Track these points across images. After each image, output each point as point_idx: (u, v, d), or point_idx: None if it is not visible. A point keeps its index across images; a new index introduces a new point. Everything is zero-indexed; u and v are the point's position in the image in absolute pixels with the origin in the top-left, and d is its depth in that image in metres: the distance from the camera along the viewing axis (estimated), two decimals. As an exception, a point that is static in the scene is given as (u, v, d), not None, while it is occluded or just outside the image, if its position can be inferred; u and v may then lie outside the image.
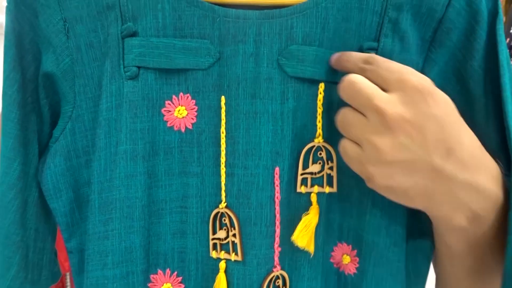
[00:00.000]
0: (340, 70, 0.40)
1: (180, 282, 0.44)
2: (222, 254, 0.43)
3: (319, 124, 0.42)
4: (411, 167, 0.35)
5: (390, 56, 0.40)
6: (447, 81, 0.42)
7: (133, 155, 0.41)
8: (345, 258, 0.44)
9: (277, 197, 0.42)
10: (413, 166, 0.35)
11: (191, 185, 0.43)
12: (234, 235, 0.42)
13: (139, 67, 0.41)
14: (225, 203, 0.42)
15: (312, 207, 0.43)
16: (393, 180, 0.36)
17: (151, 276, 0.43)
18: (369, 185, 0.37)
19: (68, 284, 1.59)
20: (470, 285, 0.43)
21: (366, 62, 0.37)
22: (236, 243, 0.42)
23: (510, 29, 1.41)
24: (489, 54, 0.40)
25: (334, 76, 0.40)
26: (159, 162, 0.42)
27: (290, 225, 0.43)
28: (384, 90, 0.35)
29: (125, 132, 0.41)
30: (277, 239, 0.42)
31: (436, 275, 0.47)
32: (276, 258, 0.42)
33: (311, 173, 0.43)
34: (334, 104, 0.41)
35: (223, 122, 0.41)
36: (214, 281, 0.43)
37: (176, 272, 0.44)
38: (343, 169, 0.41)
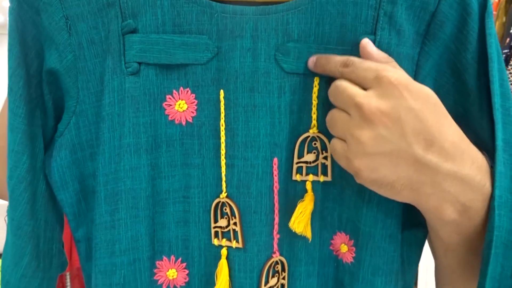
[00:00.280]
0: (321, 73, 0.41)
1: (185, 268, 0.46)
2: (224, 242, 0.45)
3: (314, 116, 0.43)
4: (393, 158, 0.36)
5: (387, 49, 0.41)
6: (442, 73, 0.43)
7: (137, 148, 0.43)
8: (343, 247, 0.46)
9: (275, 187, 0.43)
10: (395, 157, 0.36)
11: (193, 176, 0.44)
12: (235, 224, 0.44)
13: (140, 63, 0.42)
14: (226, 193, 0.44)
15: (307, 194, 0.44)
16: (378, 173, 0.37)
17: (157, 262, 0.45)
18: (358, 180, 0.39)
19: (68, 284, 1.60)
20: (464, 276, 0.44)
21: (344, 65, 0.39)
22: (237, 231, 0.44)
23: (510, 29, 1.40)
24: (481, 47, 0.41)
25: None
26: (161, 154, 0.44)
27: (288, 212, 0.44)
28: (364, 89, 0.37)
29: (128, 126, 0.42)
30: (276, 227, 0.44)
31: (435, 265, 0.49)
32: (275, 245, 0.44)
33: (306, 162, 0.44)
34: (327, 96, 0.43)
35: (222, 115, 0.43)
36: (216, 266, 0.45)
37: (180, 259, 0.46)
38: None
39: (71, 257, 1.43)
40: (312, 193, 0.44)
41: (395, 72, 0.37)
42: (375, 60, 0.39)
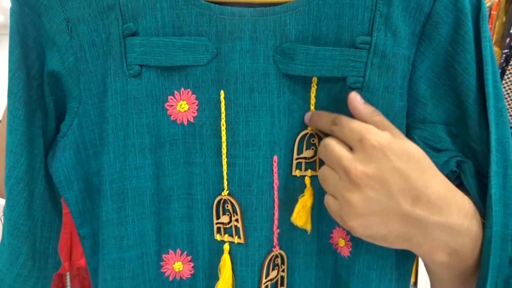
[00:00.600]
0: (315, 128, 0.44)
1: (190, 261, 0.48)
2: (226, 237, 0.46)
3: None
4: (384, 216, 0.38)
5: (384, 50, 0.42)
6: (439, 74, 0.44)
7: (141, 148, 0.44)
8: (341, 241, 0.47)
9: (275, 183, 0.45)
10: (386, 215, 0.38)
11: (195, 174, 0.46)
12: (236, 220, 0.45)
13: (141, 65, 0.43)
14: (227, 191, 0.45)
15: (306, 189, 0.46)
16: (371, 230, 0.39)
17: (163, 255, 0.47)
18: (354, 235, 0.41)
19: (68, 284, 1.60)
20: None
21: (333, 123, 0.41)
22: (239, 227, 0.45)
23: (510, 29, 1.40)
24: (477, 48, 0.42)
25: (325, 72, 0.42)
26: (165, 153, 0.45)
27: (287, 207, 0.46)
28: (350, 148, 0.39)
29: (132, 127, 0.43)
30: (275, 222, 0.46)
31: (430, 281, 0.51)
32: (275, 239, 0.46)
33: (305, 158, 0.45)
34: (326, 97, 0.44)
35: (223, 115, 0.44)
36: (219, 260, 0.47)
37: (185, 252, 0.47)
38: None
39: (71, 257, 1.43)
40: (311, 188, 0.46)
41: (377, 134, 0.38)
42: (361, 114, 0.41)
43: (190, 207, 0.46)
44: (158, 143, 0.45)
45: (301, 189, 0.46)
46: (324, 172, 0.41)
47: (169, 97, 0.44)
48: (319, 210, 0.47)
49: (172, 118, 0.45)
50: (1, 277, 0.47)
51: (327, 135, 0.44)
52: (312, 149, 0.45)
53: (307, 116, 0.44)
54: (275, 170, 0.44)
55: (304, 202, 0.45)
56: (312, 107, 0.44)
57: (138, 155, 0.44)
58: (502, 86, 1.42)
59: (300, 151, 0.45)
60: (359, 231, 0.39)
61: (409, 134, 0.45)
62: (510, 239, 0.41)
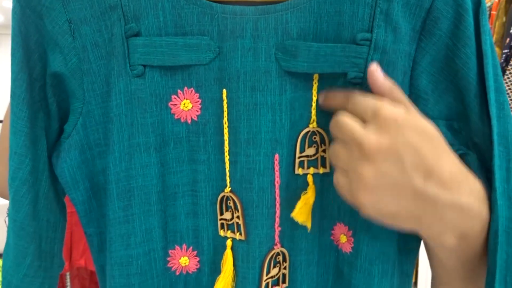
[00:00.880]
0: (328, 109, 0.43)
1: (196, 256, 0.48)
2: (229, 233, 0.47)
3: (313, 111, 0.45)
4: (394, 191, 0.37)
5: (384, 46, 0.42)
6: (440, 70, 0.44)
7: (147, 147, 0.44)
8: (342, 237, 0.48)
9: (277, 182, 0.45)
10: (396, 190, 0.37)
11: (199, 171, 0.46)
12: (237, 217, 0.46)
13: (144, 66, 0.43)
14: (230, 188, 0.46)
15: (309, 187, 0.46)
16: (381, 205, 0.38)
17: (170, 251, 0.48)
18: (362, 212, 0.40)
19: (68, 284, 1.60)
20: None
21: (347, 98, 0.41)
22: (240, 224, 0.46)
23: (510, 29, 1.40)
24: (477, 43, 0.42)
25: (327, 68, 0.43)
26: (169, 151, 0.46)
27: (289, 205, 0.46)
28: (363, 122, 0.39)
29: (137, 127, 0.44)
30: (277, 220, 0.46)
31: (432, 277, 0.51)
32: (276, 237, 0.46)
33: (307, 156, 0.46)
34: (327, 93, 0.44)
35: (225, 113, 0.44)
36: (223, 256, 0.47)
37: (191, 247, 0.48)
38: None
39: (71, 257, 1.43)
40: (313, 186, 0.46)
41: (392, 108, 0.38)
42: (380, 87, 0.40)
43: (195, 203, 0.47)
44: (163, 142, 0.45)
45: (304, 187, 0.46)
46: (335, 148, 0.41)
47: (173, 96, 0.44)
48: (320, 207, 0.47)
49: (176, 117, 0.45)
50: (8, 279, 0.47)
51: (328, 131, 0.44)
52: (314, 146, 0.46)
53: (322, 97, 0.44)
54: (277, 168, 0.45)
55: (307, 199, 0.46)
56: (314, 104, 0.44)
57: (144, 154, 0.44)
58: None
59: (302, 149, 0.46)
60: (368, 206, 0.39)
61: None
62: None
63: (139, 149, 0.44)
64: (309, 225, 0.46)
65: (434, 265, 0.47)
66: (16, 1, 0.43)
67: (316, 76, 0.44)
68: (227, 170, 0.45)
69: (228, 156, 0.45)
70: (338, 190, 0.41)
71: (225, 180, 0.46)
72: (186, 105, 0.45)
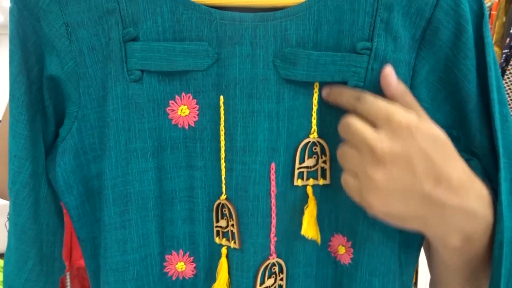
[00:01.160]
0: (333, 104, 0.43)
1: (192, 261, 0.48)
2: (224, 241, 0.46)
3: (314, 121, 0.44)
4: (404, 194, 0.38)
5: (384, 55, 0.42)
6: (440, 79, 0.44)
7: (144, 152, 0.44)
8: (341, 248, 0.47)
9: (272, 191, 0.45)
10: (406, 193, 0.38)
11: (196, 177, 0.46)
12: (232, 225, 0.45)
13: (142, 70, 0.43)
14: (225, 195, 0.45)
15: (310, 199, 0.45)
16: (390, 207, 0.39)
17: (166, 256, 0.47)
18: (370, 212, 0.40)
19: (68, 284, 1.60)
20: None
21: (357, 98, 0.41)
22: (234, 233, 0.45)
23: (510, 29, 1.40)
24: (479, 55, 0.42)
25: (327, 77, 0.42)
26: (167, 157, 0.45)
27: (287, 216, 0.46)
28: (374, 125, 0.39)
29: (134, 132, 0.44)
30: (273, 229, 0.45)
31: (431, 278, 0.51)
32: (272, 247, 0.46)
33: (307, 167, 0.45)
34: (328, 102, 0.44)
35: (222, 120, 0.44)
36: (218, 263, 0.47)
37: (188, 253, 0.48)
38: (337, 163, 0.43)
39: (71, 257, 1.43)
40: (313, 198, 0.45)
41: (404, 114, 0.38)
42: (393, 91, 0.40)
43: (192, 209, 0.47)
44: (160, 147, 0.45)
45: (302, 198, 0.46)
46: (344, 150, 0.41)
47: (170, 102, 0.44)
48: (319, 219, 0.46)
49: (173, 122, 0.45)
50: (9, 284, 0.47)
51: (329, 142, 0.43)
52: (314, 157, 0.45)
53: (326, 91, 0.43)
54: (273, 177, 0.44)
55: (311, 212, 0.45)
56: (315, 114, 0.44)
57: (141, 159, 0.44)
58: (502, 87, 1.42)
59: (302, 160, 0.45)
60: (377, 207, 0.39)
61: None
62: None
63: (136, 154, 0.44)
64: (318, 239, 0.46)
65: (435, 264, 0.47)
66: (13, 3, 0.43)
67: (316, 85, 0.43)
68: (223, 177, 0.45)
69: (224, 163, 0.44)
70: (346, 191, 0.41)
71: (221, 188, 0.45)
72: (183, 110, 0.44)
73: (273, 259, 0.46)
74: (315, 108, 0.44)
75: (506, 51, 1.47)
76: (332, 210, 0.47)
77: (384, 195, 0.38)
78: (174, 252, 0.47)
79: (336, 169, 0.45)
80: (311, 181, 0.45)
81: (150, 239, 0.45)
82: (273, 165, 0.44)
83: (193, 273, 0.48)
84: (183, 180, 0.46)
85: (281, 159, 0.44)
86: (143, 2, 0.42)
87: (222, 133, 0.44)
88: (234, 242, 0.45)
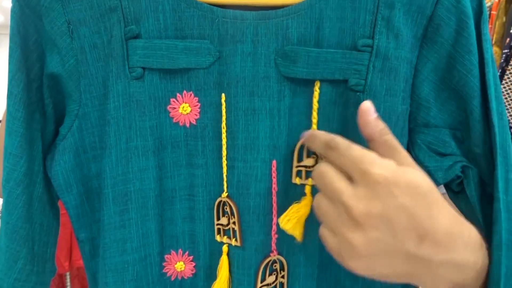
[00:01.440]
0: (310, 149, 0.42)
1: (192, 261, 0.48)
2: (225, 239, 0.46)
3: (314, 120, 0.44)
4: (387, 257, 0.35)
5: (386, 53, 0.42)
6: (441, 78, 0.44)
7: (144, 151, 0.44)
8: None
9: (274, 188, 0.44)
10: (389, 255, 0.35)
11: (197, 175, 0.46)
12: (234, 223, 0.45)
13: (144, 68, 0.42)
14: (227, 193, 0.45)
15: (305, 197, 0.45)
16: (374, 270, 0.37)
17: (166, 256, 0.47)
18: (354, 271, 0.38)
19: (68, 284, 1.60)
20: None
21: (329, 147, 0.38)
22: (236, 230, 0.45)
23: (510, 29, 1.40)
24: (479, 51, 0.42)
25: (327, 74, 0.42)
26: (167, 155, 0.45)
27: None
28: (349, 177, 0.36)
29: (135, 130, 0.43)
30: (274, 227, 0.45)
31: None
32: (273, 244, 0.46)
33: (305, 166, 0.45)
34: (328, 100, 0.44)
35: (223, 118, 0.44)
36: (219, 261, 0.46)
37: (187, 252, 0.47)
38: None
39: (71, 257, 1.43)
40: (311, 197, 0.45)
41: (381, 167, 0.35)
42: (371, 130, 0.37)
43: (192, 208, 0.46)
44: (160, 145, 0.45)
45: (302, 197, 0.45)
46: (320, 203, 0.38)
47: (172, 100, 0.44)
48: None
49: (174, 120, 0.44)
50: None
51: None
52: (313, 157, 0.45)
53: (303, 135, 0.42)
54: (274, 174, 0.44)
55: (298, 208, 0.44)
56: (315, 113, 0.44)
57: (142, 157, 0.44)
58: (502, 86, 1.42)
59: (300, 158, 0.45)
60: (360, 271, 0.37)
61: (412, 139, 0.45)
62: None
63: (137, 152, 0.44)
64: (298, 235, 0.44)
65: None
66: (15, 1, 0.43)
67: (317, 83, 0.43)
68: (224, 175, 0.45)
69: (225, 161, 0.44)
70: (327, 248, 0.38)
71: (222, 185, 0.45)
72: (185, 108, 0.44)
73: (274, 256, 0.46)
74: (315, 106, 0.44)
75: (506, 51, 1.47)
76: None
77: (366, 260, 0.36)
78: (173, 252, 0.47)
79: None
80: (309, 181, 0.44)
81: (150, 238, 0.45)
82: (274, 162, 0.44)
83: (192, 272, 0.48)
84: (184, 179, 0.46)
85: (282, 157, 0.44)
86: (145, 0, 0.42)
87: (223, 130, 0.44)
88: (236, 240, 0.45)
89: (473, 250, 0.38)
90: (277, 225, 0.45)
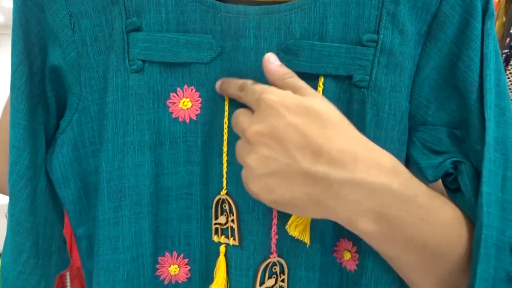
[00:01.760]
0: (226, 95, 0.43)
1: (186, 264, 0.46)
2: (223, 239, 0.45)
3: None
4: (284, 176, 0.36)
5: (391, 48, 0.41)
6: (443, 77, 0.43)
7: (141, 146, 0.43)
8: (346, 254, 0.45)
9: None
10: (286, 174, 0.36)
11: (195, 173, 0.45)
12: (232, 221, 0.44)
13: (144, 61, 0.42)
14: (226, 190, 0.44)
15: None
16: (275, 194, 0.37)
17: (159, 258, 0.46)
18: (260, 200, 0.38)
19: (68, 284, 1.60)
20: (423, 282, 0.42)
21: (241, 88, 0.40)
22: (234, 229, 0.44)
23: (510, 29, 1.39)
24: (481, 46, 0.41)
25: (331, 69, 0.42)
26: (165, 152, 0.44)
27: (289, 214, 0.44)
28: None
29: (132, 124, 0.43)
30: (274, 227, 0.44)
31: None
32: (273, 245, 0.44)
33: None
34: (332, 96, 0.43)
35: (226, 113, 0.43)
36: (216, 263, 0.45)
37: (182, 255, 0.46)
38: None
39: (71, 257, 1.43)
40: None
41: (273, 93, 0.37)
42: (274, 75, 0.39)
43: (189, 207, 0.45)
44: (158, 141, 0.44)
45: None
46: (237, 144, 0.40)
47: (171, 94, 0.43)
48: (323, 221, 0.44)
49: (173, 116, 0.44)
50: (5, 275, 0.46)
51: None
52: None
53: (218, 84, 0.43)
54: None
55: None
56: None
57: (137, 152, 0.43)
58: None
59: None
60: (262, 196, 0.37)
61: (409, 137, 0.44)
62: (508, 248, 0.38)
63: (133, 147, 0.43)
64: (306, 240, 0.43)
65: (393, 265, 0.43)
66: None
67: (321, 78, 0.42)
68: (224, 171, 0.44)
69: (226, 157, 0.44)
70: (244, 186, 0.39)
71: (222, 183, 0.44)
72: (185, 103, 0.44)
73: (274, 258, 0.44)
74: None
75: (506, 51, 1.48)
76: None
77: (263, 181, 0.36)
78: (167, 254, 0.46)
79: None
80: None
81: (142, 238, 0.44)
82: None
83: (187, 276, 0.46)
84: (181, 177, 0.45)
85: None
86: None
87: (225, 126, 0.43)
88: (234, 239, 0.44)
89: (383, 172, 0.36)
90: (278, 226, 0.44)
